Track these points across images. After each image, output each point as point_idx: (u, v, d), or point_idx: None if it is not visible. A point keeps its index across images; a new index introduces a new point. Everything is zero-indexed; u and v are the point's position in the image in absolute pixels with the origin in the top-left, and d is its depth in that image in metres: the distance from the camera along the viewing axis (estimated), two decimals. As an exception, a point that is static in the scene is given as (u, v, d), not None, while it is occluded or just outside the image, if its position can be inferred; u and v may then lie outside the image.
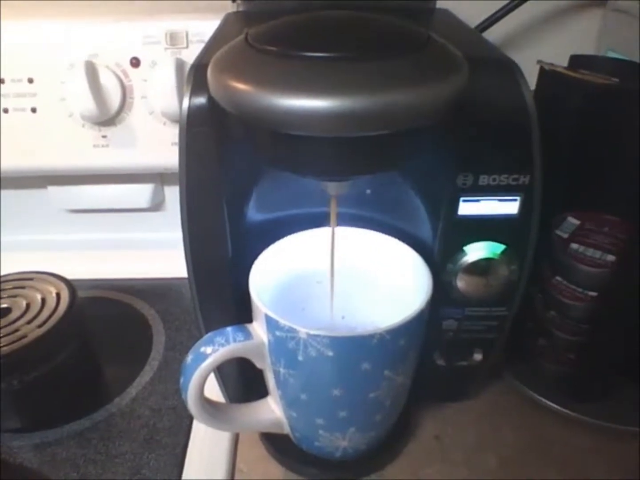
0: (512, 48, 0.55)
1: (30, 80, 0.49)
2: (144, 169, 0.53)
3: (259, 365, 0.33)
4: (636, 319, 0.36)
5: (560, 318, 0.39)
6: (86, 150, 0.51)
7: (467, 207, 0.31)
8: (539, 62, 0.39)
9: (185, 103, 0.29)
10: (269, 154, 0.28)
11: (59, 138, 0.50)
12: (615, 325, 0.38)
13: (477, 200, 0.31)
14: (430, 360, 0.38)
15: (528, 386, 0.42)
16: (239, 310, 0.34)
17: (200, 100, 0.29)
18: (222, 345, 0.31)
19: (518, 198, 0.31)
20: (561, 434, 0.39)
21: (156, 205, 0.58)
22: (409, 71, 0.24)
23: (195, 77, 0.29)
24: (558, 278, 0.38)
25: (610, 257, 0.36)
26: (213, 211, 0.32)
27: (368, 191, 0.37)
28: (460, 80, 0.25)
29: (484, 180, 0.30)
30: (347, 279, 0.37)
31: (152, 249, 0.58)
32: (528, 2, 0.50)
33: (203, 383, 0.31)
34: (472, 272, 0.34)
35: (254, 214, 0.36)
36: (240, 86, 0.24)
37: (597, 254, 0.36)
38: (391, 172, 0.29)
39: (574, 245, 0.37)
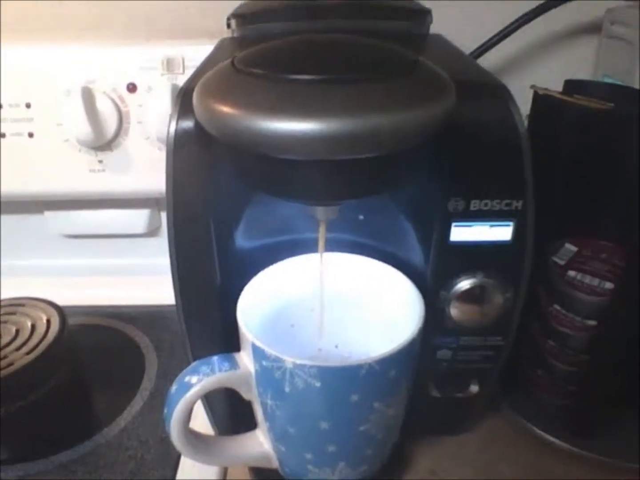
0: (509, 74, 0.55)
1: (28, 105, 0.49)
2: (140, 194, 0.53)
3: (246, 396, 0.32)
4: (637, 349, 0.35)
5: (558, 348, 0.38)
6: (82, 175, 0.51)
7: (459, 233, 0.31)
8: (532, 86, 0.39)
9: (173, 126, 0.29)
10: (255, 178, 0.27)
11: (55, 163, 0.50)
12: (616, 356, 0.37)
13: (469, 226, 0.30)
14: (425, 391, 0.37)
15: (526, 419, 0.41)
16: (228, 339, 0.33)
17: (188, 123, 0.29)
18: (207, 374, 0.30)
19: (511, 224, 0.31)
20: (560, 469, 0.38)
21: (152, 230, 0.58)
22: (395, 94, 0.23)
23: (182, 100, 0.29)
24: (556, 306, 0.37)
25: (609, 285, 0.35)
26: (201, 236, 0.31)
27: (361, 217, 0.37)
28: (446, 103, 0.24)
29: (475, 205, 0.30)
30: (340, 306, 0.36)
31: (148, 275, 0.57)
32: (524, 29, 0.51)
33: (188, 414, 0.30)
34: (465, 299, 0.33)
35: (243, 240, 0.35)
36: (224, 109, 0.23)
37: (596, 281, 0.35)
38: (380, 197, 0.28)
39: (572, 273, 0.36)
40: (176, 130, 0.29)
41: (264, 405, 0.32)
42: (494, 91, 0.29)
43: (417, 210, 0.33)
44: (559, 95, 0.38)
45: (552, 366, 0.39)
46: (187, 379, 0.30)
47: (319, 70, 0.23)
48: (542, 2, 0.49)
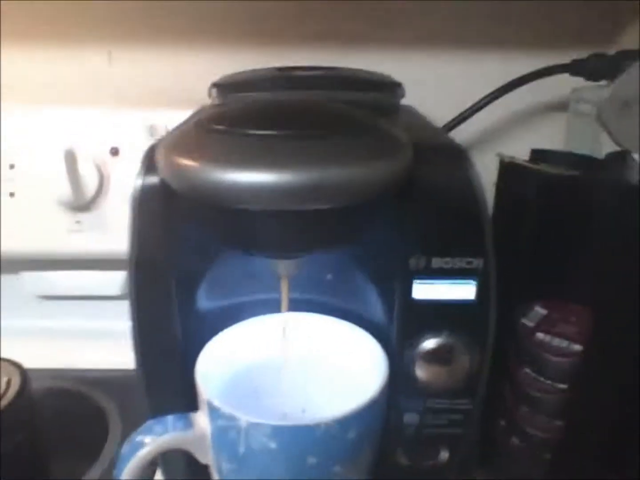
0: (480, 148, 0.57)
1: (12, 166, 0.50)
2: (116, 255, 0.52)
3: (202, 459, 0.31)
4: (612, 411, 0.34)
5: (531, 414, 0.37)
6: (60, 235, 0.51)
7: (422, 291, 0.31)
8: (498, 154, 0.41)
9: (138, 181, 0.29)
10: (215, 231, 0.28)
11: (34, 223, 0.51)
12: (590, 421, 0.35)
13: (432, 283, 0.31)
14: (393, 459, 0.36)
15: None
16: (189, 402, 0.32)
17: (153, 179, 0.29)
18: (160, 434, 0.29)
19: (473, 282, 0.31)
20: None
21: (127, 293, 0.57)
22: (348, 149, 0.24)
23: (149, 157, 0.30)
24: (526, 370, 0.37)
25: (578, 347, 0.35)
26: (162, 293, 0.31)
27: (329, 276, 0.37)
28: (399, 161, 0.25)
29: (437, 263, 0.30)
30: (305, 368, 0.36)
31: (120, 338, 0.56)
32: (495, 105, 0.53)
33: (138, 476, 0.29)
34: (431, 359, 0.32)
35: (206, 300, 0.35)
36: (183, 162, 0.24)
37: (564, 343, 0.35)
38: (340, 253, 0.28)
39: (540, 335, 0.36)
40: (142, 185, 0.29)
41: (219, 471, 0.30)
42: (453, 154, 0.30)
43: (380, 268, 0.34)
44: (523, 163, 0.39)
45: (527, 434, 0.38)
46: (138, 438, 0.29)
47: (276, 127, 0.24)
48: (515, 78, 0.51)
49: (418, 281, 0.30)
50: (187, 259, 0.32)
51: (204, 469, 0.32)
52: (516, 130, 0.57)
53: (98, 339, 0.58)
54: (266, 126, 0.24)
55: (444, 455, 0.36)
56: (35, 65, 0.55)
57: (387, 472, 0.36)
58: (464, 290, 0.31)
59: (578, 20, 0.53)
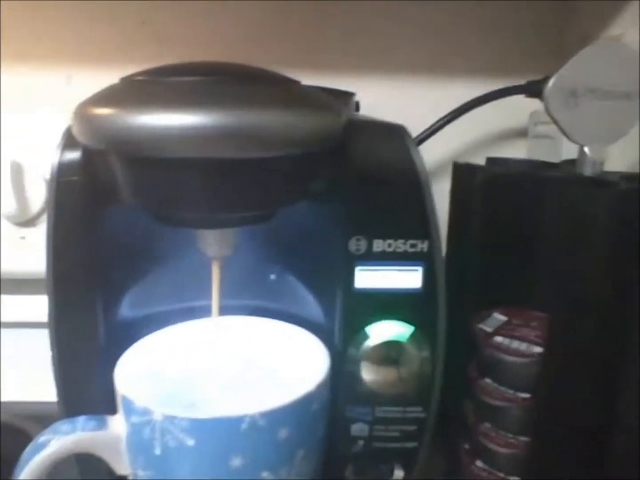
0: (440, 173, 0.57)
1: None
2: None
3: (117, 469, 0.27)
4: (578, 422, 0.31)
5: (494, 430, 0.34)
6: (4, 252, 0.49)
7: (365, 278, 0.29)
8: (453, 162, 0.40)
9: (56, 157, 0.28)
10: (137, 194, 0.26)
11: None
12: (557, 435, 0.32)
13: (375, 270, 0.28)
14: (343, 478, 0.32)
15: (466, 519, 0.35)
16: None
17: (72, 154, 0.28)
18: (66, 434, 0.26)
19: (419, 268, 0.29)
20: None
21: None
22: (282, 95, 0.23)
23: (68, 134, 0.28)
24: (487, 380, 0.34)
25: (537, 349, 0.32)
26: (84, 290, 0.29)
27: (272, 276, 0.34)
28: (334, 113, 0.24)
29: (378, 245, 0.28)
30: (242, 371, 0.33)
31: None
32: (457, 128, 0.53)
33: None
34: (377, 359, 0.30)
35: (132, 305, 0.33)
36: (99, 111, 0.23)
37: (523, 345, 0.32)
38: (269, 220, 0.26)
39: (499, 338, 0.33)
40: (60, 160, 0.27)
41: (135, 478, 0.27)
42: (392, 130, 0.29)
43: (319, 256, 0.31)
44: (475, 164, 0.39)
45: (491, 453, 0.34)
46: (41, 439, 0.26)
47: (205, 74, 0.23)
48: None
49: (360, 267, 0.28)
50: (111, 249, 0.30)
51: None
52: (478, 153, 0.57)
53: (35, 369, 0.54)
54: (188, 74, 0.23)
55: (398, 474, 0.32)
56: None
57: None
58: (410, 277, 0.29)
59: (533, 45, 0.54)
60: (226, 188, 0.23)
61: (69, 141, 0.28)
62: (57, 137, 0.47)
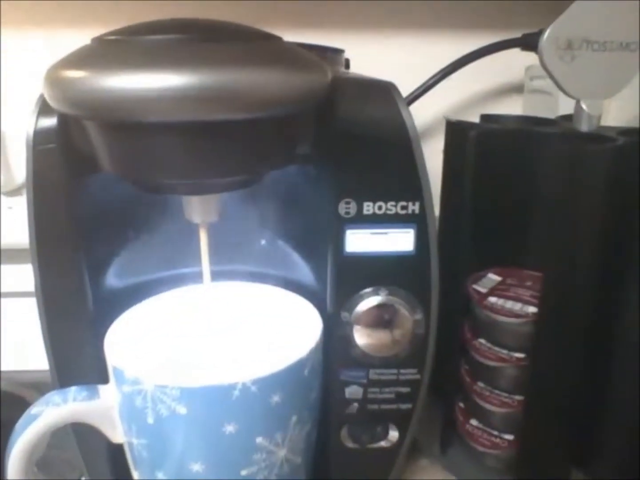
0: (435, 129, 0.55)
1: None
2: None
3: (112, 437, 0.27)
4: (572, 383, 0.31)
5: (489, 390, 0.34)
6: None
7: (356, 242, 0.28)
8: (445, 116, 0.38)
9: (32, 124, 0.26)
10: (115, 162, 0.25)
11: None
12: (552, 397, 0.32)
13: (365, 233, 0.28)
14: (337, 440, 0.32)
15: (462, 476, 0.35)
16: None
17: (49, 121, 0.26)
18: (58, 405, 0.25)
19: (411, 230, 0.28)
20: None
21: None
22: (264, 54, 0.22)
23: (44, 100, 0.27)
24: (481, 340, 0.34)
25: (532, 309, 0.32)
26: (69, 260, 0.28)
27: (263, 241, 0.34)
28: (319, 72, 0.23)
29: (369, 208, 0.27)
30: (238, 338, 0.32)
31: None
32: (451, 85, 0.51)
33: (31, 452, 0.25)
34: (370, 322, 0.29)
35: (120, 275, 0.32)
36: (70, 74, 0.22)
37: (517, 305, 0.32)
38: (255, 184, 0.25)
39: (492, 299, 0.33)
40: (35, 127, 0.26)
41: (130, 448, 0.27)
42: (380, 87, 0.28)
43: (309, 221, 0.31)
44: (468, 122, 0.37)
45: (486, 412, 0.34)
46: (34, 410, 0.25)
47: (182, 32, 0.22)
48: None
49: (350, 231, 0.28)
50: (94, 216, 0.29)
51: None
52: (472, 111, 0.56)
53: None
54: (170, 31, 0.22)
55: (393, 435, 0.32)
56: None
57: (332, 456, 0.33)
58: (402, 240, 0.28)
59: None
60: (209, 152, 0.22)
61: (44, 107, 0.26)
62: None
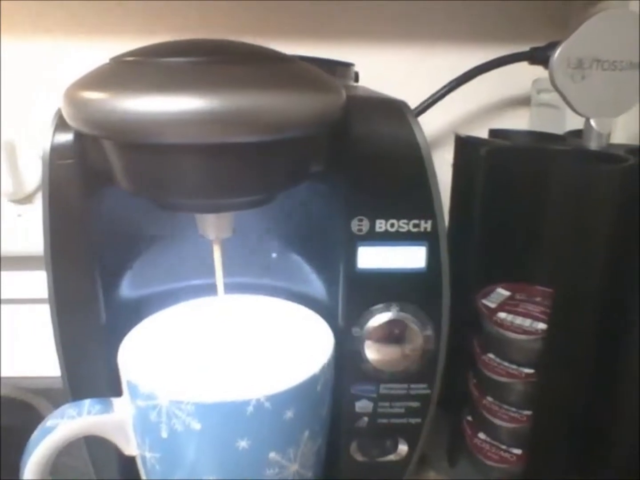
0: (442, 142, 0.56)
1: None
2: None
3: (125, 450, 0.27)
4: (580, 399, 0.32)
5: (498, 405, 0.34)
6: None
7: (368, 259, 0.28)
8: (455, 132, 0.39)
9: (49, 139, 0.27)
10: (130, 179, 0.25)
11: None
12: (560, 412, 0.33)
13: (377, 249, 0.28)
14: (347, 454, 0.32)
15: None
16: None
17: (66, 136, 0.27)
18: (73, 418, 0.26)
19: (423, 247, 0.28)
20: None
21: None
22: (283, 76, 0.22)
23: (61, 115, 0.27)
24: (490, 355, 0.34)
25: (541, 326, 0.32)
26: (83, 271, 0.28)
27: (274, 255, 0.34)
28: (335, 93, 0.23)
29: (381, 226, 0.28)
30: (250, 352, 0.33)
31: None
32: (459, 98, 0.52)
33: (45, 465, 0.25)
34: (381, 338, 0.30)
35: (134, 285, 0.32)
36: (89, 96, 0.22)
37: (527, 322, 0.32)
38: (268, 203, 0.26)
39: (502, 314, 0.33)
40: (52, 143, 0.27)
41: (143, 461, 0.27)
42: (392, 106, 0.28)
43: (322, 237, 0.31)
44: (477, 137, 0.38)
45: (494, 427, 0.35)
46: (49, 423, 0.26)
47: (200, 55, 0.22)
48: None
49: (363, 247, 0.28)
50: (109, 229, 0.29)
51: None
52: (479, 123, 0.56)
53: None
54: (188, 54, 0.22)
55: (402, 448, 0.33)
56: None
57: (341, 470, 0.33)
58: (414, 257, 0.28)
59: (535, 11, 0.53)
60: (225, 173, 0.23)
61: (61, 122, 0.27)
62: (50, 114, 0.46)
